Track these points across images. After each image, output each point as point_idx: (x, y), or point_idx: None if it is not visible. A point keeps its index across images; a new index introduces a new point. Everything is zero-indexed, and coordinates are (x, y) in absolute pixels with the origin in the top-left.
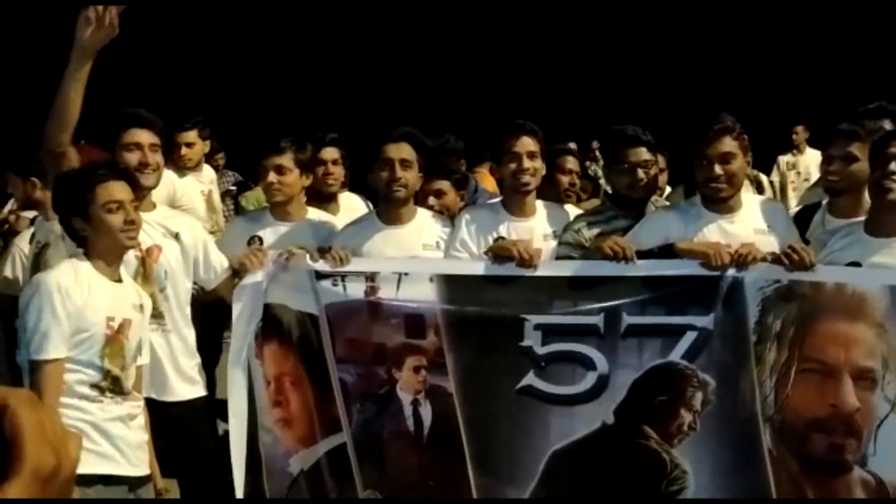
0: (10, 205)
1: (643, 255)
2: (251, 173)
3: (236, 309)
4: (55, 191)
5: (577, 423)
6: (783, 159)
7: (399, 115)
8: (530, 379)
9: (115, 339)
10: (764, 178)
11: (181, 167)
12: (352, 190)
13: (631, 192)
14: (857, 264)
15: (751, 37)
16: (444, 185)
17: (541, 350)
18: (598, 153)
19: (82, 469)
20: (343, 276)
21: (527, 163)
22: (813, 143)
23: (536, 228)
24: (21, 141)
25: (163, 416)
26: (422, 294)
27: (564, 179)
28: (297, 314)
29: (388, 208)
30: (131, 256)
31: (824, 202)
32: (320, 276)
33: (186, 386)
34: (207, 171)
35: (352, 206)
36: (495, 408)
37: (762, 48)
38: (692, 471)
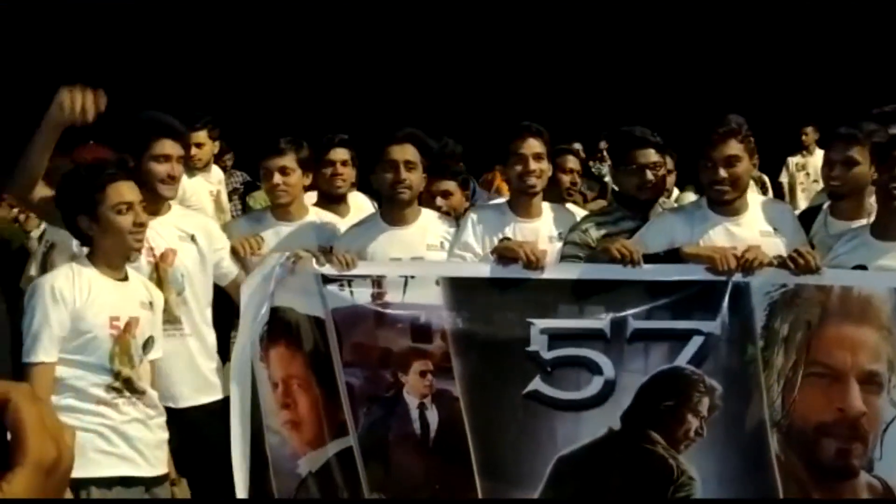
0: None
1: (649, 258)
2: (259, 174)
3: (242, 311)
4: (61, 188)
5: (584, 428)
6: (792, 160)
7: (403, 116)
8: (536, 384)
9: (121, 338)
10: (767, 179)
11: (191, 167)
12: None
13: (639, 193)
14: (863, 268)
15: (760, 38)
16: (451, 185)
17: (547, 355)
18: (605, 153)
19: (103, 472)
20: (350, 280)
21: (533, 164)
22: (823, 145)
23: (542, 230)
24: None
25: (178, 419)
26: (428, 298)
27: (566, 179)
28: (304, 318)
29: (392, 209)
30: (144, 262)
31: (825, 205)
32: (327, 279)
33: (203, 390)
34: (216, 172)
35: (360, 206)
36: (501, 412)
37: (771, 49)
38: (699, 477)
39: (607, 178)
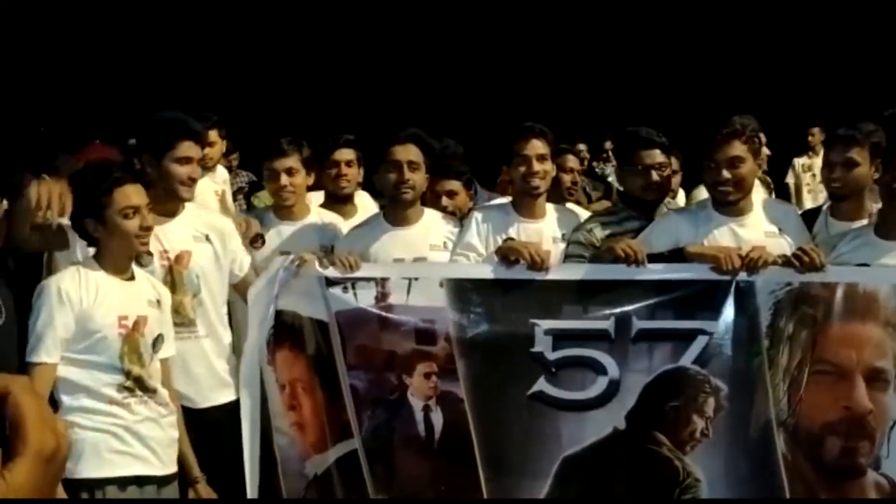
0: None
1: (653, 258)
2: (263, 175)
3: (250, 314)
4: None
5: (589, 428)
6: (799, 161)
7: (405, 117)
8: (541, 384)
9: (130, 337)
10: (769, 180)
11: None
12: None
13: (644, 193)
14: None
15: (766, 38)
16: (456, 185)
17: (551, 355)
18: (610, 154)
19: (117, 471)
20: (353, 283)
21: (536, 166)
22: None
23: (546, 231)
24: (35, 141)
25: (197, 420)
26: (432, 299)
27: (566, 178)
28: (308, 321)
29: (395, 209)
30: (157, 265)
31: (825, 206)
32: (330, 282)
33: (220, 390)
34: (221, 172)
35: (367, 206)
36: (506, 413)
37: (778, 50)
38: (705, 478)
39: (611, 178)
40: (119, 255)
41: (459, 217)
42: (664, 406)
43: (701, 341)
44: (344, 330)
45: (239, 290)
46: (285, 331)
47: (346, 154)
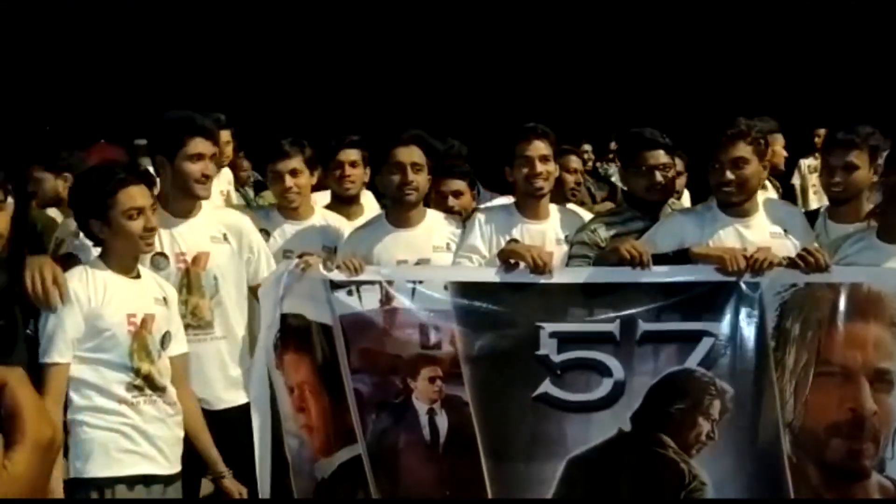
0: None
1: (658, 259)
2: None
3: (261, 317)
4: (73, 190)
5: (594, 429)
6: (805, 163)
7: (408, 118)
8: (546, 387)
9: (139, 334)
10: (777, 184)
11: None
12: None
13: (648, 194)
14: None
15: (772, 39)
16: (462, 185)
17: (557, 358)
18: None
19: (126, 470)
20: (358, 286)
21: (539, 167)
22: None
23: (549, 232)
24: (49, 137)
25: (216, 421)
26: (437, 302)
27: (570, 179)
28: (313, 324)
29: (398, 211)
30: (174, 267)
31: (823, 209)
32: (335, 285)
33: (236, 391)
34: (226, 173)
35: (374, 207)
36: (511, 416)
37: (784, 51)
38: (711, 481)
39: (615, 178)
40: (124, 256)
41: (463, 217)
42: (670, 408)
43: (706, 343)
44: (348, 333)
45: (254, 291)
46: (292, 334)
47: (350, 155)
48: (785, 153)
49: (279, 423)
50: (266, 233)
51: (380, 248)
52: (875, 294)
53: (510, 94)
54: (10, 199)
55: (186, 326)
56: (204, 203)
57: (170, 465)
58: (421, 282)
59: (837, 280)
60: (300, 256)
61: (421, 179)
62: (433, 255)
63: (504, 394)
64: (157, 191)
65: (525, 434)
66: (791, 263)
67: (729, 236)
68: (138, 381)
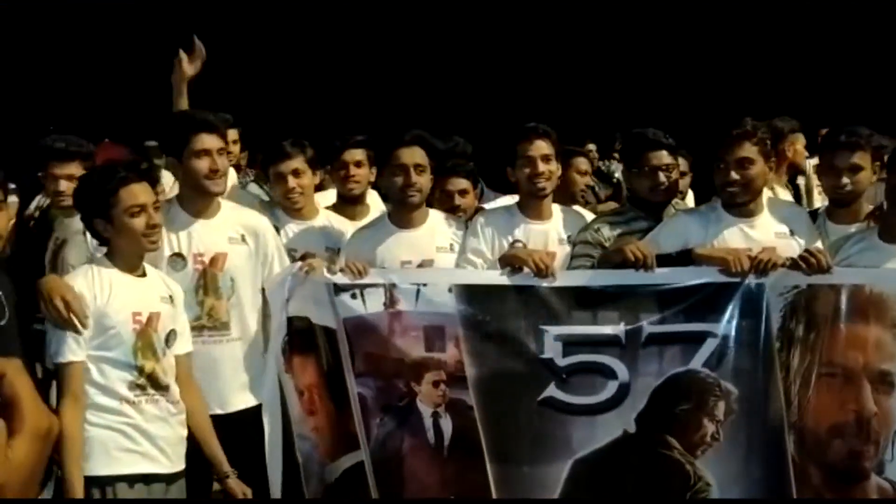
0: (37, 202)
1: (661, 259)
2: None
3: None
4: (78, 190)
5: (599, 431)
6: (810, 162)
7: (410, 118)
8: (551, 391)
9: (144, 332)
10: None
11: None
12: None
13: (651, 195)
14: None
15: (777, 40)
16: (466, 184)
17: (562, 362)
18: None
19: (125, 469)
20: (362, 289)
21: (541, 167)
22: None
23: (552, 232)
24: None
25: (227, 423)
26: (441, 305)
27: (580, 181)
28: (317, 327)
29: (401, 212)
30: (191, 268)
31: (822, 210)
32: (339, 289)
33: (251, 393)
34: (230, 172)
35: (379, 206)
36: (516, 420)
37: (788, 51)
38: (716, 482)
39: (617, 175)
40: (129, 254)
41: (466, 217)
42: (674, 409)
43: (711, 344)
44: (352, 337)
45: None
46: (299, 337)
47: (355, 154)
48: (807, 153)
49: (290, 426)
50: (276, 229)
51: (383, 249)
52: (877, 295)
53: (514, 93)
54: (12, 199)
55: (202, 328)
56: (223, 203)
57: (171, 464)
58: (425, 285)
59: (839, 281)
60: (303, 258)
61: (424, 180)
62: (437, 256)
63: (509, 397)
64: (160, 189)
65: (530, 437)
66: (793, 265)
67: (734, 236)
68: (141, 380)
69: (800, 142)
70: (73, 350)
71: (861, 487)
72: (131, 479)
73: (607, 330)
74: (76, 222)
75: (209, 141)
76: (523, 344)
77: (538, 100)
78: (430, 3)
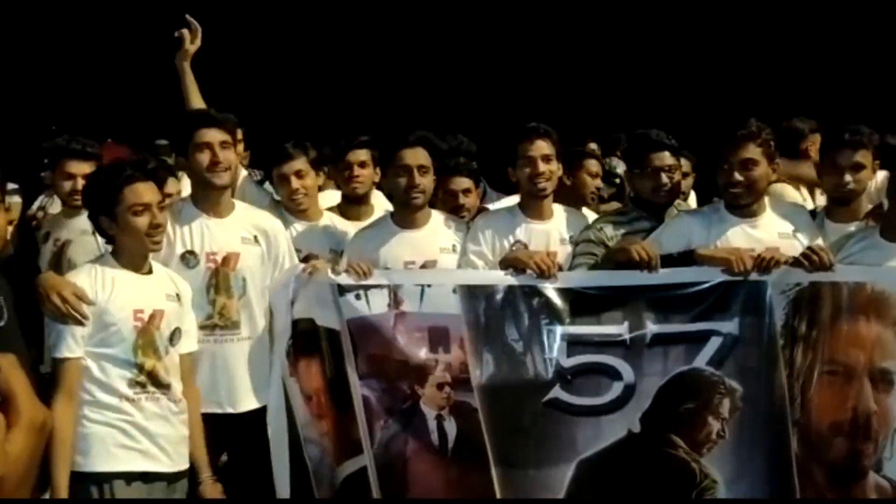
0: (40, 201)
1: (664, 259)
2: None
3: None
4: (85, 189)
5: (604, 431)
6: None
7: (415, 119)
8: (556, 392)
9: (145, 330)
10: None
11: None
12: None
13: (654, 196)
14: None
15: (780, 40)
16: (470, 183)
17: (567, 363)
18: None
19: (122, 466)
20: (366, 290)
21: (542, 167)
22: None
23: (553, 232)
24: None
25: (237, 423)
26: (446, 306)
27: (591, 183)
28: (321, 329)
29: (404, 213)
30: (203, 267)
31: (821, 208)
32: (343, 290)
33: (261, 393)
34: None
35: (384, 206)
36: (521, 422)
37: (792, 52)
38: (722, 480)
39: (620, 171)
40: (133, 252)
41: (469, 217)
42: (679, 408)
43: (715, 342)
44: (356, 338)
45: None
46: (304, 340)
47: (360, 155)
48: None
49: (296, 430)
50: None
51: (386, 250)
52: (878, 293)
53: (516, 93)
54: (15, 199)
55: (213, 326)
56: (237, 203)
57: (173, 463)
58: (429, 286)
59: (841, 279)
60: (306, 259)
61: (427, 182)
62: (440, 257)
63: (513, 399)
64: (177, 189)
65: (535, 439)
66: (795, 262)
67: (737, 237)
68: (141, 378)
69: (818, 142)
70: (70, 346)
71: (859, 485)
72: (129, 477)
73: (612, 330)
74: (81, 222)
75: (210, 134)
76: (528, 345)
77: (540, 99)
78: (433, 5)
